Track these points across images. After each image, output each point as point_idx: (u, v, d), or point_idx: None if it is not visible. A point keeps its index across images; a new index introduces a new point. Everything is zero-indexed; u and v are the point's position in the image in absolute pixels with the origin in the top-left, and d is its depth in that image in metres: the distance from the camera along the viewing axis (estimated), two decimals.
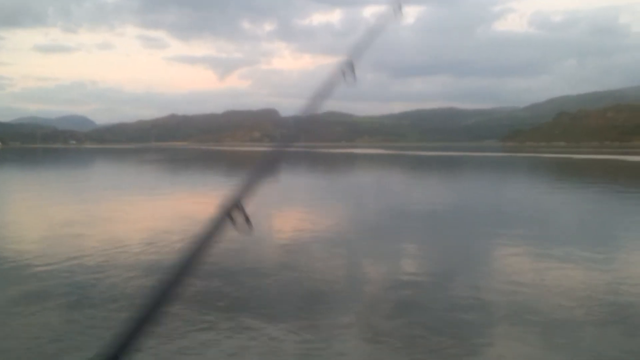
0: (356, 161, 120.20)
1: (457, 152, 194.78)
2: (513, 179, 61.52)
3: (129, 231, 24.30)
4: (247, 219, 1.67)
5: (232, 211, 1.66)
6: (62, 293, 14.36)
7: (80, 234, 23.67)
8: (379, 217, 29.38)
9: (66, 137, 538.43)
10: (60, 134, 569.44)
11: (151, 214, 30.65)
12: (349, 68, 3.15)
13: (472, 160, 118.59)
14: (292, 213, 31.16)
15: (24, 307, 13.14)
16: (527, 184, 53.55)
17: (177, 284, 1.44)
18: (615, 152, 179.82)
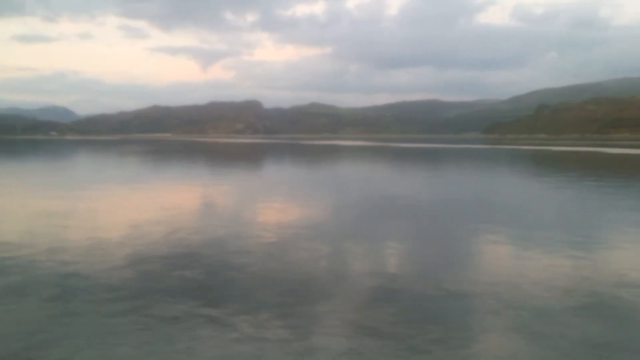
0: (339, 153, 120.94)
1: (439, 144, 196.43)
2: (492, 170, 62.76)
3: (109, 222, 24.88)
4: None
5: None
6: (46, 281, 15.02)
7: (61, 224, 24.23)
8: (357, 208, 30.22)
9: (47, 129, 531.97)
10: (41, 125, 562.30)
11: (133, 205, 31.20)
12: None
13: (454, 152, 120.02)
14: (271, 204, 31.89)
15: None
16: (506, 175, 54.83)
17: None
18: (594, 144, 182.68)
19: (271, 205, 31.95)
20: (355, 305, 13.15)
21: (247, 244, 20.04)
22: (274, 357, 10.27)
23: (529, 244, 19.81)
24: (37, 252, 18.70)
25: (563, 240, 20.60)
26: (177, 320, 12.06)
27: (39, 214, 27.81)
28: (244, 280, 15.27)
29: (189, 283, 14.96)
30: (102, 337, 11.09)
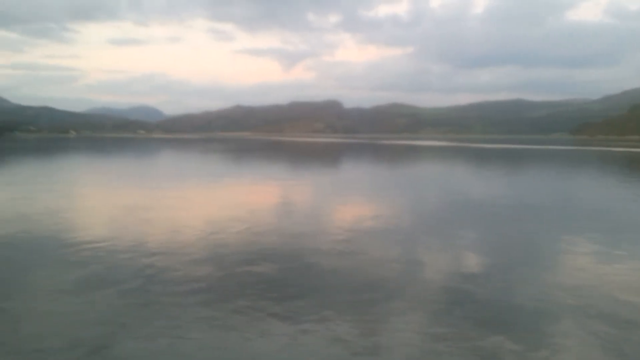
0: (418, 153, 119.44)
1: (524, 145, 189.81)
2: (580, 172, 60.03)
3: (189, 217, 25.84)
4: None
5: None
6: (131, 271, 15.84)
7: (144, 218, 25.43)
8: (439, 209, 29.82)
9: (136, 127, 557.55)
10: (131, 124, 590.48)
11: (212, 201, 32.25)
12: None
13: (540, 153, 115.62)
14: (348, 203, 32.00)
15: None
16: (595, 178, 52.28)
17: None
18: None
19: (348, 204, 32.10)
20: (426, 307, 13.05)
21: (322, 242, 20.28)
22: (338, 354, 10.39)
23: (616, 252, 18.91)
24: (120, 244, 19.75)
25: None
26: (248, 313, 12.43)
27: (123, 207, 29.32)
28: (317, 278, 15.49)
29: (263, 278, 15.35)
30: (177, 327, 11.62)
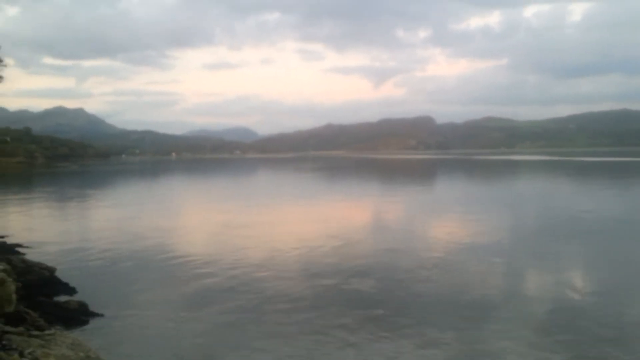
0: (514, 168, 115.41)
1: (631, 157, 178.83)
2: None
3: (284, 234, 26.57)
4: None
5: None
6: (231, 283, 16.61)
7: (242, 235, 26.46)
8: (540, 226, 28.89)
9: (232, 148, 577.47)
10: (227, 145, 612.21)
11: (307, 218, 33.01)
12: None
13: None
14: (442, 220, 31.66)
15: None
16: None
17: None
18: None
19: (442, 220, 31.79)
20: (528, 328, 12.78)
21: (418, 259, 20.30)
22: None
23: None
24: (221, 260, 20.73)
25: None
26: (348, 330, 12.71)
27: (224, 225, 30.68)
28: (414, 295, 15.55)
29: (359, 295, 15.61)
30: (276, 343, 12.10)
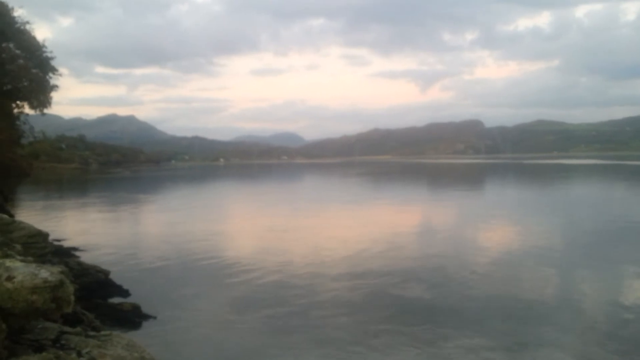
0: (566, 173, 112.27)
1: None
2: None
3: (328, 239, 26.57)
4: None
5: None
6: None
7: (287, 238, 26.63)
8: (595, 233, 28.05)
9: (279, 153, 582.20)
10: (274, 150, 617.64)
11: (352, 223, 32.92)
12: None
13: None
14: (490, 226, 31.08)
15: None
16: None
17: None
18: None
19: (492, 226, 31.23)
20: (580, 337, 12.42)
21: (465, 265, 20.00)
22: None
23: None
24: (267, 265, 20.92)
25: None
26: (394, 335, 12.63)
27: (271, 229, 30.98)
28: (464, 301, 15.33)
29: (407, 301, 15.49)
30: (323, 348, 12.12)
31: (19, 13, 32.98)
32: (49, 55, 34.96)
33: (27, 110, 36.00)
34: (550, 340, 12.12)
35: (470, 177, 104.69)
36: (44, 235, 13.12)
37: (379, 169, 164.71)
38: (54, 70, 35.44)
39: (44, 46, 34.64)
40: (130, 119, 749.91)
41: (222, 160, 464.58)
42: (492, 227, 30.79)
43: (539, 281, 17.50)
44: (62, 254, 19.66)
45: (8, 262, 7.20)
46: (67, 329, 8.22)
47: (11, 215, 19.07)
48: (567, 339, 12.18)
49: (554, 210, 39.88)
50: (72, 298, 7.13)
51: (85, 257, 21.11)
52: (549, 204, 45.22)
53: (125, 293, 16.93)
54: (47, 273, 6.98)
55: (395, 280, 17.86)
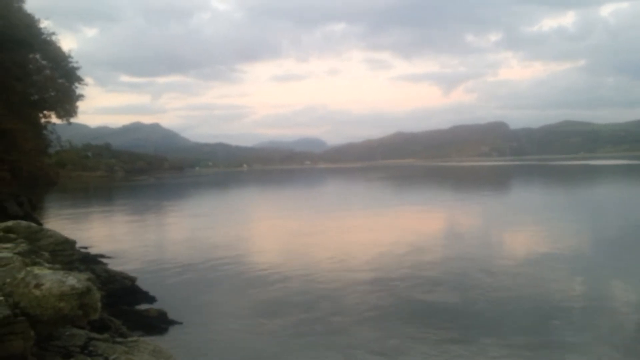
0: (592, 174, 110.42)
1: None
2: None
3: (352, 243, 26.49)
4: None
5: None
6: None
7: (311, 243, 26.60)
8: (624, 236, 27.50)
9: (301, 158, 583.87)
10: (296, 156, 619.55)
11: (375, 227, 32.76)
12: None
13: None
14: (517, 229, 30.67)
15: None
16: None
17: None
18: None
19: (518, 229, 30.80)
20: (609, 342, 12.14)
21: (491, 270, 19.72)
22: None
23: None
24: (292, 269, 20.90)
25: None
26: (419, 341, 12.49)
27: (296, 234, 31.01)
28: (489, 307, 15.11)
29: (433, 306, 15.32)
30: (350, 355, 12.04)
31: (45, 24, 33.59)
32: (75, 65, 35.57)
33: (54, 119, 36.69)
34: (578, 346, 11.86)
35: (495, 180, 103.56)
36: (71, 243, 13.25)
37: (403, 172, 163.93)
38: (79, 80, 36.04)
39: (69, 56, 35.25)
40: (155, 127, 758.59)
41: (245, 166, 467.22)
42: (518, 230, 30.40)
43: (567, 284, 17.21)
44: (89, 261, 19.88)
45: (36, 270, 7.29)
46: (94, 335, 8.29)
47: (39, 223, 19.34)
48: (595, 344, 11.92)
49: (582, 213, 39.22)
50: (99, 305, 7.19)
51: (112, 264, 21.33)
52: (576, 206, 44.49)
53: (151, 299, 17.05)
54: (74, 280, 7.04)
55: (420, 284, 17.70)
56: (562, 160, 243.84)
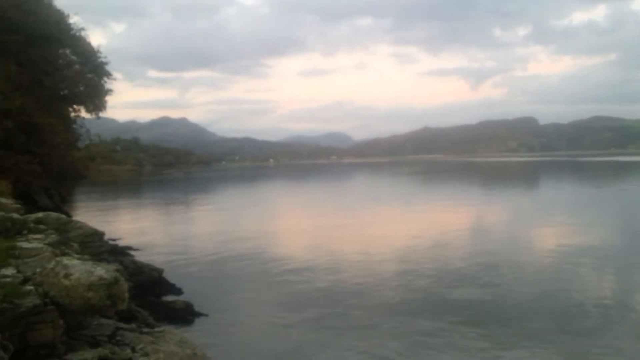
0: (629, 171, 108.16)
1: None
2: None
3: (377, 237, 26.40)
4: None
5: None
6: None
7: (336, 236, 26.61)
8: None
9: (328, 153, 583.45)
10: (323, 151, 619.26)
11: (400, 222, 32.62)
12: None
13: None
14: (545, 227, 30.24)
15: None
16: None
17: None
18: None
19: (545, 226, 30.38)
20: (622, 341, 11.92)
21: (517, 265, 19.52)
22: None
23: None
24: (316, 264, 20.92)
25: None
26: (439, 337, 12.41)
27: (319, 228, 31.08)
28: (516, 303, 14.95)
29: (458, 303, 15.21)
30: (373, 350, 12.03)
31: (74, 20, 34.16)
32: (104, 60, 36.10)
33: (83, 114, 37.32)
34: (609, 348, 11.67)
35: (523, 176, 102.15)
36: (99, 235, 13.49)
37: (430, 168, 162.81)
38: (108, 74, 36.57)
39: (98, 52, 35.79)
40: (182, 121, 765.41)
41: (271, 160, 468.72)
42: (547, 227, 30.00)
43: (596, 283, 16.93)
44: (117, 253, 20.20)
45: (66, 260, 7.43)
46: (122, 325, 8.43)
47: (69, 215, 19.70)
48: (623, 344, 11.70)
49: (612, 210, 38.50)
50: (127, 295, 7.31)
51: (140, 256, 21.63)
52: (606, 203, 43.69)
53: (178, 291, 17.26)
54: (102, 271, 7.16)
55: (446, 280, 17.60)
56: (592, 157, 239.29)
